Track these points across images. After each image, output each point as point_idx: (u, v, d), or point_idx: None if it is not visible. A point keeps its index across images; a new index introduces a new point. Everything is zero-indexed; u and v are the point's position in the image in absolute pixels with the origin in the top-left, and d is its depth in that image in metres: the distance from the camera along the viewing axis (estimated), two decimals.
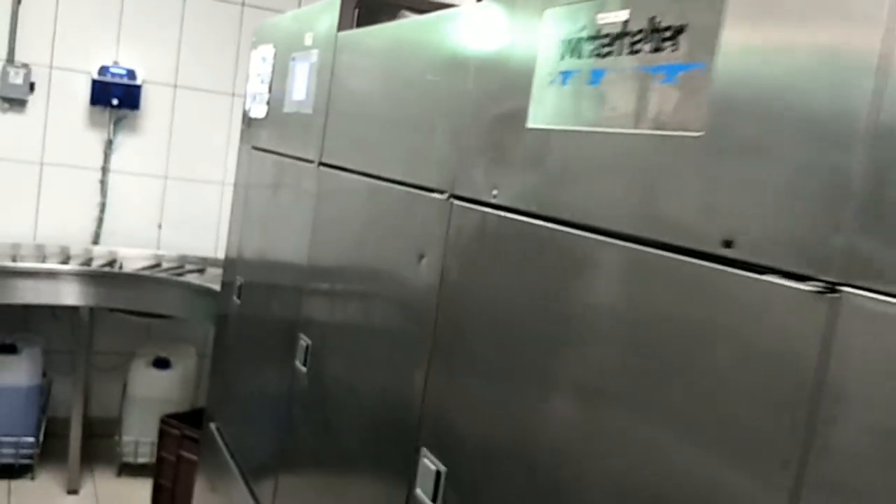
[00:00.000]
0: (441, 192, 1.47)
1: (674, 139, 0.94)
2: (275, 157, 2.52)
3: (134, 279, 4.00)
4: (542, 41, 1.21)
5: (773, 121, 0.82)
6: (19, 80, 4.12)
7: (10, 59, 4.13)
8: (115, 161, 4.41)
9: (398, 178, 1.66)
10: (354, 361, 1.85)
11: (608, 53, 1.07)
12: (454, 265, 1.42)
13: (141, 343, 4.28)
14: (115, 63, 4.30)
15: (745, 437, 0.83)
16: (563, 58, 1.16)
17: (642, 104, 1.00)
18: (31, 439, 3.95)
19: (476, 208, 1.36)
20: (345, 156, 1.98)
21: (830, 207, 0.76)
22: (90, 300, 3.86)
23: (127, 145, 4.42)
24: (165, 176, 4.52)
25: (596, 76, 1.09)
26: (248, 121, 2.87)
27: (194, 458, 3.36)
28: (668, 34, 0.97)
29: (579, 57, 1.12)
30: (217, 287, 3.26)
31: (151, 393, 4.10)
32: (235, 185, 2.99)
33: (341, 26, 2.10)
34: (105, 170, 4.39)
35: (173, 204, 4.53)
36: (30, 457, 3.97)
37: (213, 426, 2.97)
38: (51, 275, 3.84)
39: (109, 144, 4.38)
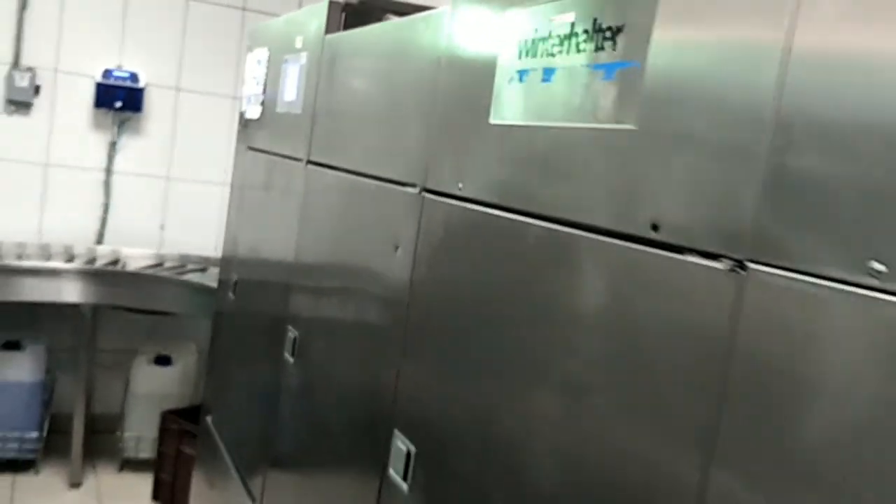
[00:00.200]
0: (413, 185, 1.54)
1: (611, 132, 1.01)
2: (268, 156, 2.60)
3: (136, 277, 4.08)
4: (503, 42, 1.28)
5: (692, 113, 0.89)
6: (25, 84, 4.21)
7: (16, 62, 4.22)
8: (119, 162, 4.49)
9: (376, 173, 1.73)
10: (336, 351, 1.92)
11: (558, 53, 1.14)
12: (425, 256, 1.49)
13: (143, 340, 4.36)
14: (119, 66, 4.39)
15: (669, 406, 0.89)
16: (520, 57, 1.23)
17: (586, 100, 1.07)
18: (34, 434, 4.03)
19: (444, 201, 1.43)
20: (330, 154, 2.06)
21: (739, 191, 0.82)
22: (93, 298, 3.94)
23: (130, 147, 4.50)
24: (168, 177, 4.60)
25: (548, 74, 1.16)
26: (244, 122, 2.94)
27: (193, 452, 3.43)
28: (608, 34, 1.04)
29: (534, 56, 1.19)
30: (216, 285, 3.33)
31: (153, 389, 4.18)
32: (232, 184, 3.07)
33: (329, 29, 2.17)
34: (108, 171, 4.48)
35: (175, 204, 4.62)
36: (33, 451, 4.04)
37: (209, 419, 3.05)
38: (55, 273, 3.92)
39: (113, 146, 4.47)
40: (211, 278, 3.96)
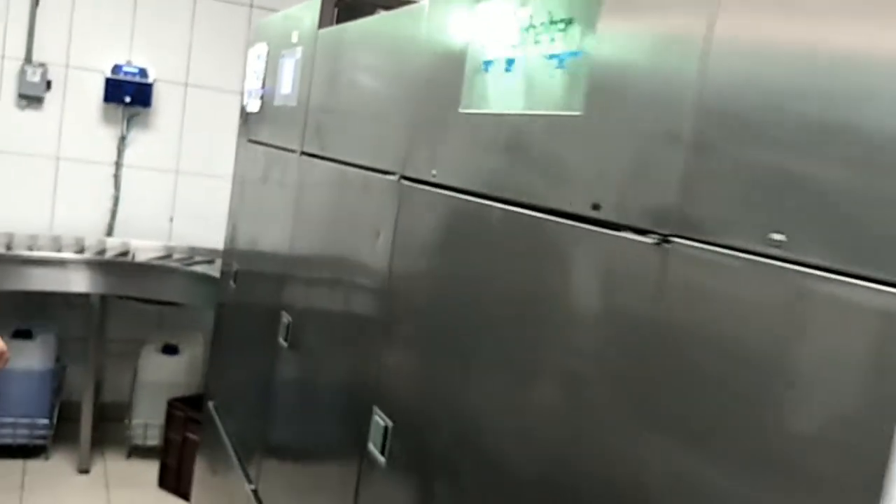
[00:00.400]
0: (393, 173, 1.61)
1: (561, 118, 1.07)
2: (266, 148, 2.67)
3: (144, 268, 4.17)
4: (471, 34, 1.35)
5: (628, 100, 0.96)
6: (37, 79, 4.31)
7: (28, 58, 4.32)
8: (128, 156, 4.58)
9: (361, 162, 1.80)
10: (325, 335, 1.99)
11: (518, 44, 1.20)
12: (402, 242, 1.56)
13: (151, 330, 4.44)
14: (128, 62, 4.48)
15: (610, 373, 0.95)
16: (485, 49, 1.29)
17: (541, 88, 1.13)
18: (45, 421, 4.13)
19: (419, 187, 1.49)
20: (321, 145, 2.13)
21: (665, 173, 0.88)
22: (102, 288, 4.03)
23: (139, 141, 4.59)
24: (176, 171, 4.69)
25: (509, 64, 1.22)
26: (245, 115, 3.02)
27: (198, 439, 3.51)
28: (560, 26, 1.10)
29: (497, 48, 1.26)
30: None
31: (160, 378, 4.26)
32: (234, 176, 3.15)
33: (322, 24, 2.25)
34: (118, 164, 4.57)
35: (184, 197, 4.70)
36: (44, 438, 4.14)
37: (211, 405, 3.13)
38: (65, 264, 4.01)
39: (122, 140, 4.56)
40: (218, 270, 4.04)
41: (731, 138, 0.81)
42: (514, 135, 1.20)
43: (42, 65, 4.34)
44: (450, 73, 1.42)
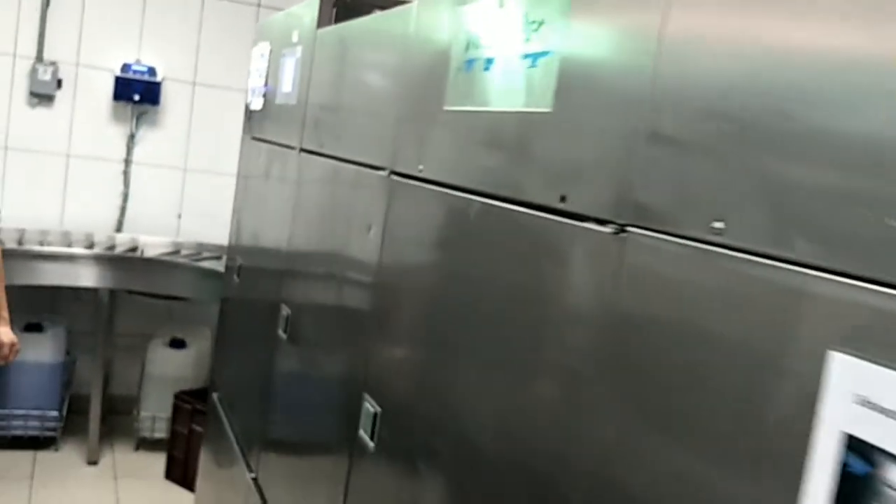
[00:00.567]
0: (383, 169, 1.67)
1: (532, 115, 1.13)
2: (268, 145, 2.74)
3: (152, 264, 4.25)
4: (455, 34, 1.40)
5: (591, 97, 1.01)
6: (48, 77, 4.39)
7: (40, 57, 4.40)
8: (137, 153, 4.66)
9: (355, 158, 1.86)
10: (321, 326, 2.05)
11: (497, 44, 1.26)
12: (392, 234, 1.61)
13: (159, 324, 4.52)
14: (137, 61, 4.56)
15: (576, 359, 1.01)
16: (467, 49, 1.35)
17: (516, 86, 1.19)
18: (55, 413, 4.21)
19: (407, 182, 1.55)
20: (318, 141, 2.19)
21: (623, 166, 0.94)
22: (111, 283, 4.11)
23: (148, 139, 4.67)
24: (184, 168, 4.76)
25: (489, 63, 1.28)
26: (249, 113, 3.08)
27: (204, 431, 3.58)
28: (534, 27, 1.15)
29: (478, 47, 1.31)
30: None
31: (168, 372, 4.34)
32: (238, 173, 3.21)
33: (320, 24, 2.30)
34: (127, 162, 4.65)
35: (191, 194, 4.78)
36: (54, 430, 4.22)
37: (215, 397, 3.20)
38: (75, 259, 4.09)
39: (131, 138, 4.64)
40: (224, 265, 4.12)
41: (678, 133, 0.86)
42: (492, 131, 1.26)
43: (53, 63, 4.42)
44: (435, 71, 1.47)
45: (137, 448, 4.38)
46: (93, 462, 4.18)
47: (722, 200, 0.79)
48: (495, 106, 1.24)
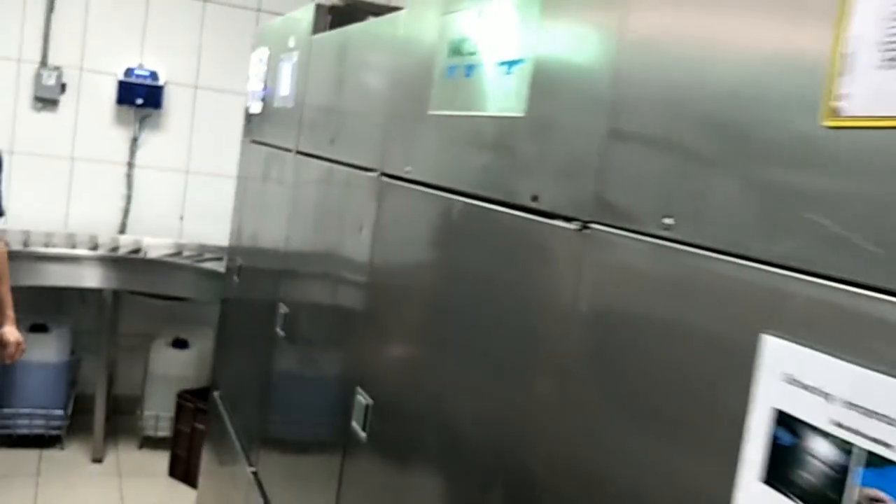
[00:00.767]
0: (374, 170, 1.74)
1: (508, 119, 1.20)
2: (267, 148, 2.81)
3: (155, 265, 4.33)
4: (439, 41, 1.47)
5: (558, 102, 1.07)
6: (52, 82, 4.47)
7: (44, 62, 4.48)
8: (140, 156, 4.74)
9: (347, 160, 1.93)
10: (316, 321, 2.12)
11: (476, 52, 1.32)
12: (382, 233, 1.68)
13: (161, 325, 4.59)
14: (140, 65, 4.63)
15: (545, 348, 1.07)
16: (450, 56, 1.42)
17: (493, 92, 1.26)
18: (60, 412, 4.28)
19: (396, 183, 1.62)
20: (314, 144, 2.25)
21: (585, 166, 1.00)
22: (115, 284, 4.19)
23: (151, 142, 4.75)
24: (186, 170, 4.84)
25: (469, 70, 1.34)
26: (248, 116, 3.16)
27: (206, 429, 3.65)
28: (509, 36, 1.22)
29: (459, 55, 1.38)
30: None
31: (171, 371, 4.41)
32: (238, 175, 3.28)
33: (316, 30, 2.37)
34: (130, 164, 4.73)
35: (194, 196, 4.85)
36: (59, 428, 4.30)
37: (216, 394, 3.27)
38: (79, 260, 4.17)
39: (134, 141, 4.71)
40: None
41: (634, 134, 0.93)
42: (472, 134, 1.32)
43: (57, 68, 4.50)
44: (421, 77, 1.54)
45: (141, 446, 4.45)
46: (97, 460, 4.26)
47: (671, 198, 0.86)
48: (475, 110, 1.31)
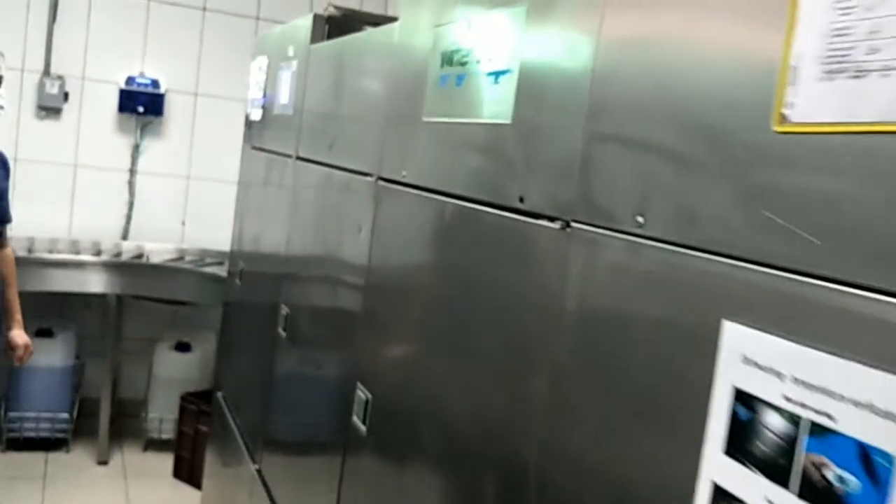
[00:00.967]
0: (371, 175, 1.81)
1: (496, 125, 1.27)
2: (267, 154, 2.88)
3: (158, 270, 4.40)
4: (432, 51, 1.55)
5: (541, 109, 1.15)
6: (55, 91, 4.55)
7: (47, 71, 4.56)
8: (142, 163, 4.82)
9: (345, 165, 2.01)
10: (317, 321, 2.19)
11: (466, 62, 1.40)
12: (379, 236, 1.76)
13: (164, 329, 4.67)
14: (141, 74, 4.71)
15: (534, 343, 1.15)
16: (442, 65, 1.49)
17: (482, 100, 1.33)
18: (65, 415, 4.36)
19: (392, 187, 1.69)
20: (313, 150, 2.33)
21: (567, 167, 1.08)
22: (118, 289, 4.27)
23: (152, 149, 4.83)
24: (188, 176, 4.92)
25: (460, 79, 1.42)
26: (248, 123, 3.23)
27: (209, 430, 3.72)
28: (497, 47, 1.30)
29: (451, 65, 1.46)
30: None
31: (174, 374, 4.48)
32: (239, 181, 3.36)
33: (314, 39, 2.45)
34: (132, 171, 4.81)
35: (195, 202, 4.93)
36: (64, 431, 4.37)
37: (219, 395, 3.35)
38: (83, 265, 4.25)
39: (136, 148, 4.79)
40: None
41: (609, 136, 1.00)
42: (464, 140, 1.40)
43: (60, 77, 4.58)
44: (415, 85, 1.61)
45: (146, 448, 4.52)
46: (103, 462, 4.33)
47: (642, 197, 0.94)
48: (466, 118, 1.39)
